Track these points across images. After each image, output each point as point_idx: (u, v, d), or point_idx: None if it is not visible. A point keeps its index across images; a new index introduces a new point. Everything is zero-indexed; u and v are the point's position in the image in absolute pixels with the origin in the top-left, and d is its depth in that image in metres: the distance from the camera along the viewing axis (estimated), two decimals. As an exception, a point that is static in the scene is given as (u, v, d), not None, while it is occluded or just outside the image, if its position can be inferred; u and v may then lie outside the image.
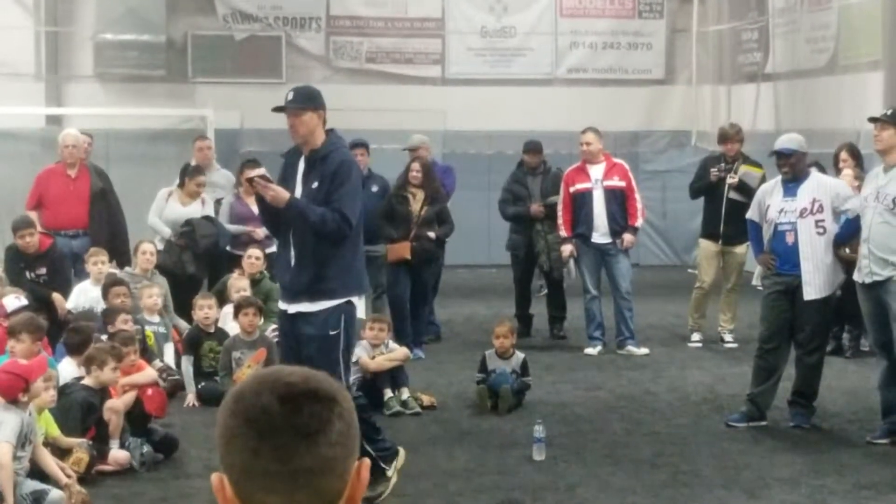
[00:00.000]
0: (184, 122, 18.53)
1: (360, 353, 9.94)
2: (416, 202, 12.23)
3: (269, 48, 19.55)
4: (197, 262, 12.26)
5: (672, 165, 19.48)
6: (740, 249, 12.44)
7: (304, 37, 19.66)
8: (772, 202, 9.30)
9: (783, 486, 7.76)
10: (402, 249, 12.10)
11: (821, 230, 9.12)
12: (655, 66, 20.32)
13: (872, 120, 8.99)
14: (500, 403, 9.84)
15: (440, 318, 13.60)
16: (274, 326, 10.22)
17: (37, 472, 7.30)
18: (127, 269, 11.81)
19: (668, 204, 19.44)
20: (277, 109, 7.39)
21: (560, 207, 12.51)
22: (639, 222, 12.60)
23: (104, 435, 8.17)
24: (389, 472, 7.55)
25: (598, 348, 12.47)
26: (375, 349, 10.16)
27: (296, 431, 1.86)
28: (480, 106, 19.20)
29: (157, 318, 10.99)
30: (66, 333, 9.39)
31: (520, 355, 10.32)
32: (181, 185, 12.74)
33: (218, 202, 12.91)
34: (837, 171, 11.54)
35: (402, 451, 7.72)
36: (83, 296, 11.20)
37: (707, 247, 12.83)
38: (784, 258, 9.24)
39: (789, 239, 9.19)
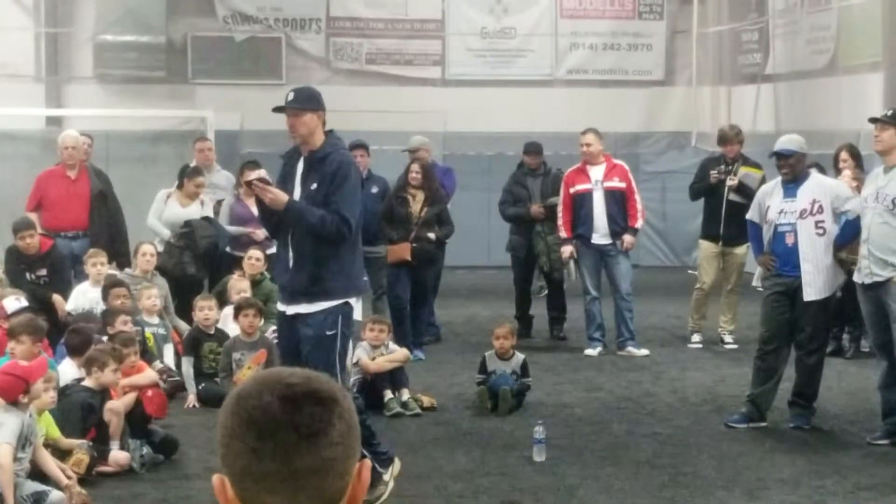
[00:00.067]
0: (184, 123, 18.49)
1: (361, 354, 9.94)
2: (416, 203, 12.22)
3: (269, 49, 19.56)
4: (197, 263, 12.26)
5: (672, 166, 19.44)
6: (740, 250, 12.44)
7: (304, 38, 19.66)
8: (772, 203, 9.30)
9: (783, 487, 7.76)
10: (402, 251, 12.09)
11: (821, 231, 9.11)
12: (655, 67, 20.32)
13: (873, 121, 8.99)
14: (501, 405, 9.83)
15: (440, 320, 13.58)
16: (274, 328, 10.21)
17: (37, 474, 7.30)
18: (127, 270, 11.81)
19: (668, 205, 19.42)
20: (277, 109, 7.39)
21: (560, 208, 12.51)
22: (639, 223, 12.59)
23: (104, 436, 8.17)
24: (386, 477, 7.54)
25: (599, 349, 12.46)
26: (376, 350, 10.16)
27: (297, 432, 1.87)
28: (480, 107, 19.20)
29: (156, 320, 10.98)
30: (66, 335, 9.39)
31: (520, 356, 10.31)
32: (180, 187, 12.74)
33: (219, 203, 12.92)
34: (837, 172, 11.53)
35: (397, 461, 7.72)
36: (83, 297, 11.19)
37: (707, 248, 12.82)
38: (784, 259, 9.23)
39: (789, 240, 9.18)
